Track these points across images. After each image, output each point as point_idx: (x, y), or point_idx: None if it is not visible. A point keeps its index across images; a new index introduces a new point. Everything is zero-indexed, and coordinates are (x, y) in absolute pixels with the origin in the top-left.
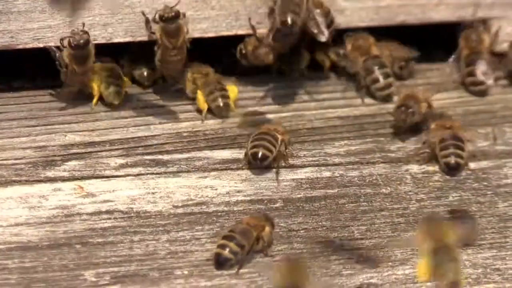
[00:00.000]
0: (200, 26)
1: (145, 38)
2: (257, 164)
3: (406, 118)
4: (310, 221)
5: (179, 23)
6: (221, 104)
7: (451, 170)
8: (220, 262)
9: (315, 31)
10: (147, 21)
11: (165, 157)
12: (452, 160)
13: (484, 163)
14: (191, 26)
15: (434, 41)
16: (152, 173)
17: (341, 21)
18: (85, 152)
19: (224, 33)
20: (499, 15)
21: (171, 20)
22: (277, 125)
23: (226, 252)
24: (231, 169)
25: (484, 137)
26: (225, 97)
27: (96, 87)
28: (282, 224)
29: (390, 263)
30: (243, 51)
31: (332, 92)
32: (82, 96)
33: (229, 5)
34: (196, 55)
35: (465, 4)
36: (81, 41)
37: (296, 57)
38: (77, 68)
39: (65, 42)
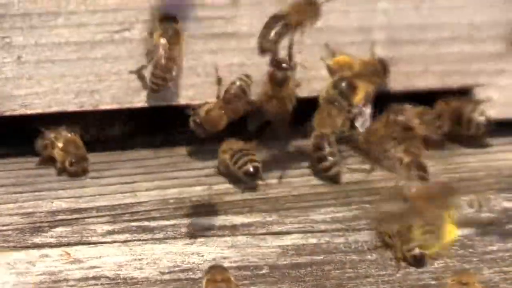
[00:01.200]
0: (186, 94)
1: (131, 105)
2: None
3: None
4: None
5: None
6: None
7: None
8: None
9: None
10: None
11: (152, 223)
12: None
13: (469, 230)
14: (178, 93)
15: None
16: (139, 240)
17: None
18: (72, 219)
19: (210, 100)
20: (486, 83)
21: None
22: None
23: None
24: (218, 235)
25: (469, 204)
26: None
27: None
28: None
29: None
30: (197, 120)
31: None
32: None
33: (214, 72)
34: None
35: (451, 71)
36: None
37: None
38: None
39: None
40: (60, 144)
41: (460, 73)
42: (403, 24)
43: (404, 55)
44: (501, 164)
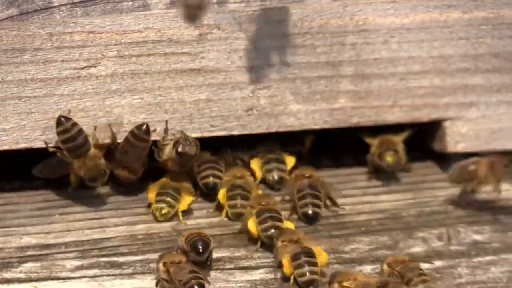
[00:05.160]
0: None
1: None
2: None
3: None
4: None
5: None
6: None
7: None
8: None
9: None
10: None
11: (120, 259)
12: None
13: (438, 263)
14: None
15: None
16: (108, 275)
17: (294, 123)
18: (41, 254)
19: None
20: (454, 116)
21: None
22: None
23: None
24: None
25: (438, 237)
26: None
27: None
28: None
29: None
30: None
31: (286, 194)
32: (37, 199)
33: (182, 108)
34: None
35: (420, 105)
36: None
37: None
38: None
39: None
40: None
41: (430, 106)
42: (372, 58)
43: (373, 89)
44: (471, 197)
